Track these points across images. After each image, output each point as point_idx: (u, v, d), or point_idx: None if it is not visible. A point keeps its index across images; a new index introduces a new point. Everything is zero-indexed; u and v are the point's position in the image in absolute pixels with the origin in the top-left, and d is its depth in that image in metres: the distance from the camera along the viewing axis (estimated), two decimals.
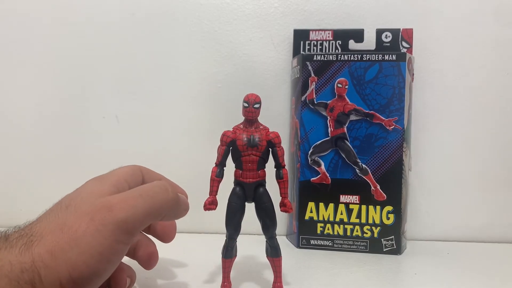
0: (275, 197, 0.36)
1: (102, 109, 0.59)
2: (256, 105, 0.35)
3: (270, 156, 0.37)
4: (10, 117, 0.60)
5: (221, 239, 0.37)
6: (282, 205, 0.36)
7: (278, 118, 0.57)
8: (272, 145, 0.36)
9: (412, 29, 0.53)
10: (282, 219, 0.55)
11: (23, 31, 0.59)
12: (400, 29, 0.53)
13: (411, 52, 0.52)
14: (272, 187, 0.37)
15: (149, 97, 0.59)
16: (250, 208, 0.36)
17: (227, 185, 0.37)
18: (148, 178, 0.35)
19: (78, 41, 0.59)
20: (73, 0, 0.58)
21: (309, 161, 0.50)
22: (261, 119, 0.37)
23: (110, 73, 0.59)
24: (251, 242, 0.41)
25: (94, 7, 0.58)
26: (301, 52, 0.54)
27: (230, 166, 0.36)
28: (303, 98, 0.50)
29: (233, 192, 0.36)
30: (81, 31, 0.59)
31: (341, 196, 0.50)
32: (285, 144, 0.57)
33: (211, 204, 0.35)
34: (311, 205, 0.50)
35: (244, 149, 0.35)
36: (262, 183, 0.36)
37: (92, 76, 0.59)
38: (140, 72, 0.59)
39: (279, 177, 0.36)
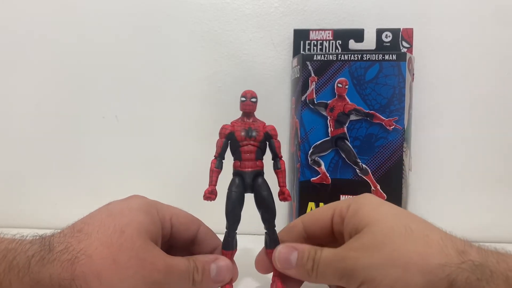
0: (274, 190, 0.37)
1: (102, 109, 0.59)
2: (253, 99, 0.36)
3: (268, 154, 0.37)
4: (10, 117, 0.60)
5: (221, 237, 0.37)
6: (281, 193, 0.37)
7: (278, 118, 0.57)
8: (269, 136, 0.36)
9: (412, 29, 0.53)
10: (282, 219, 0.55)
11: (22, 32, 0.59)
12: (400, 29, 0.53)
13: (411, 52, 0.52)
14: (270, 181, 0.37)
15: (149, 97, 0.59)
16: (250, 207, 0.36)
17: (226, 183, 0.37)
18: (202, 237, 0.36)
19: (77, 41, 0.59)
20: (72, 0, 0.58)
21: (309, 161, 0.50)
22: (261, 118, 0.37)
23: (110, 73, 0.59)
24: (251, 242, 0.41)
25: (94, 7, 0.58)
26: (301, 52, 0.54)
27: (229, 168, 0.36)
28: (303, 98, 0.50)
29: (233, 182, 0.36)
30: (81, 31, 0.59)
31: (341, 196, 0.50)
32: (285, 144, 0.57)
33: (210, 194, 0.35)
34: (311, 205, 0.50)
35: (242, 139, 0.36)
36: (260, 172, 0.36)
37: (92, 76, 0.59)
38: (140, 72, 0.59)
39: (277, 167, 0.37)
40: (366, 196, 0.33)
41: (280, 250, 0.33)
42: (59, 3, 0.58)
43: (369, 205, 0.31)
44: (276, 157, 0.37)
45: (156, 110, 0.59)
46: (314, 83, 0.50)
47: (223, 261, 0.34)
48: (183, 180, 0.58)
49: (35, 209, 0.60)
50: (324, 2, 0.57)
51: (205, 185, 0.36)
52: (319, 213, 0.35)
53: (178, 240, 0.35)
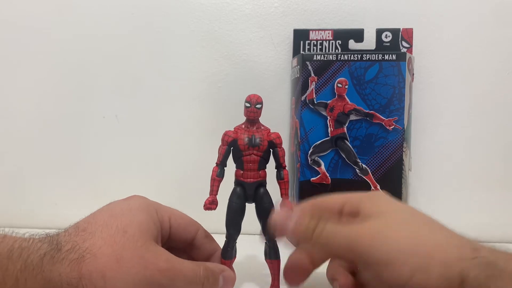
0: (276, 198, 0.36)
1: (102, 109, 0.59)
2: (258, 105, 0.35)
3: (271, 158, 0.36)
4: (10, 117, 0.60)
5: (221, 239, 0.37)
6: (283, 205, 0.36)
7: (278, 118, 0.57)
8: (273, 145, 0.36)
9: (412, 29, 0.53)
10: None
11: (22, 31, 0.59)
12: (400, 29, 0.53)
13: (411, 52, 0.52)
14: (272, 188, 0.37)
15: (149, 97, 0.59)
16: (250, 208, 0.36)
17: (227, 185, 0.36)
18: (201, 240, 0.36)
19: (78, 41, 0.59)
20: (73, 0, 0.58)
21: (309, 161, 0.50)
22: (261, 118, 0.37)
23: (110, 73, 0.59)
24: (250, 242, 0.41)
25: (94, 7, 0.58)
26: (301, 52, 0.54)
27: (231, 168, 0.36)
28: (303, 98, 0.50)
29: (234, 192, 0.36)
30: (81, 31, 0.59)
31: None
32: (285, 144, 0.57)
33: (211, 204, 0.35)
34: None
35: (245, 148, 0.35)
36: (262, 183, 0.36)
37: (92, 76, 0.59)
38: (140, 72, 0.59)
39: (280, 178, 0.36)
40: (379, 193, 0.33)
41: (278, 210, 0.32)
42: (60, 3, 0.59)
43: (384, 199, 0.31)
44: (280, 166, 0.36)
45: (156, 110, 0.59)
46: (314, 83, 0.50)
47: (228, 273, 0.35)
48: (183, 180, 0.58)
49: (35, 209, 0.60)
50: (324, 2, 0.57)
51: (205, 185, 0.36)
52: (328, 200, 0.33)
53: (176, 242, 0.35)
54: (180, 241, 0.35)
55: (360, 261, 0.28)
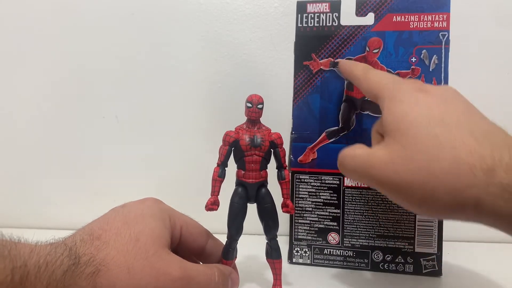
0: (277, 198, 0.36)
1: (102, 109, 0.59)
2: (260, 106, 0.35)
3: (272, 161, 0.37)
4: (10, 117, 0.60)
5: (222, 240, 0.37)
6: (284, 206, 0.36)
7: (278, 118, 0.57)
8: (274, 145, 0.36)
9: None
10: (283, 219, 0.55)
11: (22, 31, 0.59)
12: None
13: None
14: (273, 188, 0.37)
15: (149, 97, 0.59)
16: (250, 208, 0.36)
17: (228, 186, 0.36)
18: (210, 251, 0.37)
19: (77, 41, 0.59)
20: (72, 0, 0.58)
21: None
22: (261, 119, 0.37)
23: (110, 73, 0.59)
24: (251, 243, 0.41)
25: (94, 7, 0.58)
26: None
27: (231, 168, 0.36)
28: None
29: (235, 192, 0.36)
30: (81, 31, 0.59)
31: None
32: (286, 144, 0.57)
33: (213, 205, 0.35)
34: None
35: (248, 149, 0.35)
36: (264, 183, 0.36)
37: (92, 76, 0.59)
38: (140, 72, 0.59)
39: (281, 178, 0.36)
40: (404, 92, 0.31)
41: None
42: (60, 3, 0.58)
43: (403, 106, 0.30)
44: (281, 167, 0.36)
45: (156, 110, 0.59)
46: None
47: (235, 275, 0.35)
48: (183, 180, 0.58)
49: (35, 209, 0.60)
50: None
51: (206, 185, 0.36)
52: None
53: (184, 249, 0.35)
54: (188, 250, 0.36)
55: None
